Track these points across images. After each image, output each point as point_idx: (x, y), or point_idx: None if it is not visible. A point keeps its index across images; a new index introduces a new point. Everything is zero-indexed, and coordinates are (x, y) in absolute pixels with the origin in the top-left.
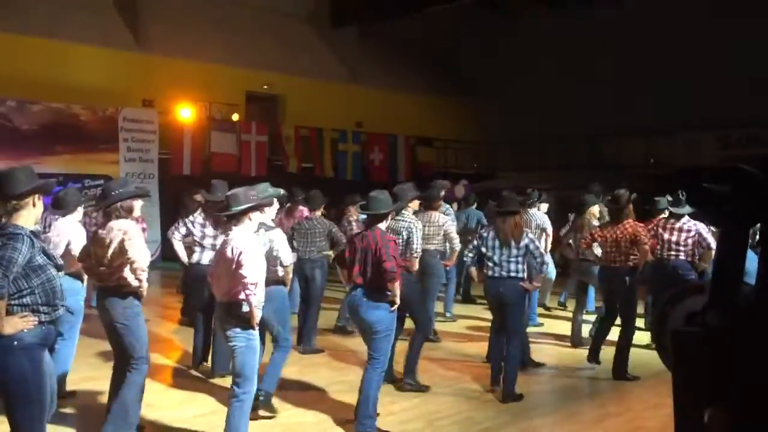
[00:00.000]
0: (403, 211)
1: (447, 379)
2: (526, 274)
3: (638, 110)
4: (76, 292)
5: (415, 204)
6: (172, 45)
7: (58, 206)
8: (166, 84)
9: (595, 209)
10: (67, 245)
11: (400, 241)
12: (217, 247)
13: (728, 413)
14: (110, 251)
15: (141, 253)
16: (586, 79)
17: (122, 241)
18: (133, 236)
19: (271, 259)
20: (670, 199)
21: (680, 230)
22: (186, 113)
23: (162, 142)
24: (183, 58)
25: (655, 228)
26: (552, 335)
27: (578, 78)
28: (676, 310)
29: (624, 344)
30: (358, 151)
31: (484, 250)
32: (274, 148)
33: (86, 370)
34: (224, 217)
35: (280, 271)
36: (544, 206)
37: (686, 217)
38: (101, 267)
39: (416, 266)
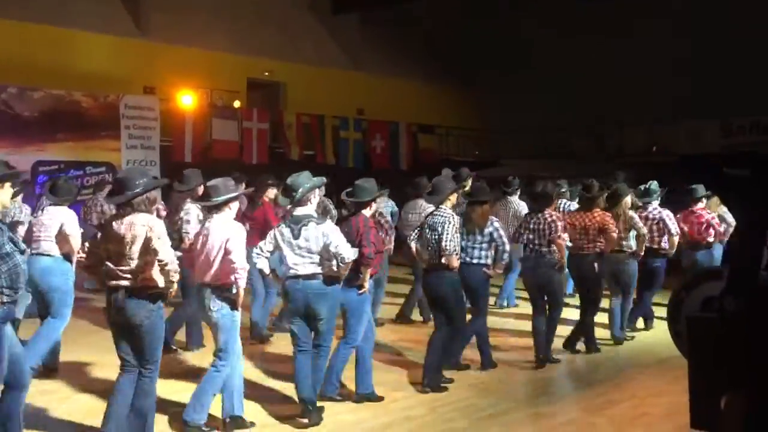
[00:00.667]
0: (441, 206)
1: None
2: (490, 261)
3: (640, 98)
4: (65, 272)
5: (454, 197)
6: (173, 32)
7: (54, 192)
8: (168, 71)
9: (628, 199)
10: (61, 227)
11: (436, 236)
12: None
13: (745, 399)
14: (132, 248)
15: (171, 253)
16: (588, 67)
17: (149, 240)
18: (161, 234)
19: (324, 254)
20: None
21: (646, 219)
22: (187, 100)
23: (163, 129)
24: (184, 45)
25: None
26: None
27: (580, 66)
28: (692, 296)
29: (586, 322)
30: (359, 138)
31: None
32: (275, 135)
33: (89, 354)
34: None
35: (335, 266)
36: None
37: (652, 206)
38: (118, 266)
39: (454, 263)
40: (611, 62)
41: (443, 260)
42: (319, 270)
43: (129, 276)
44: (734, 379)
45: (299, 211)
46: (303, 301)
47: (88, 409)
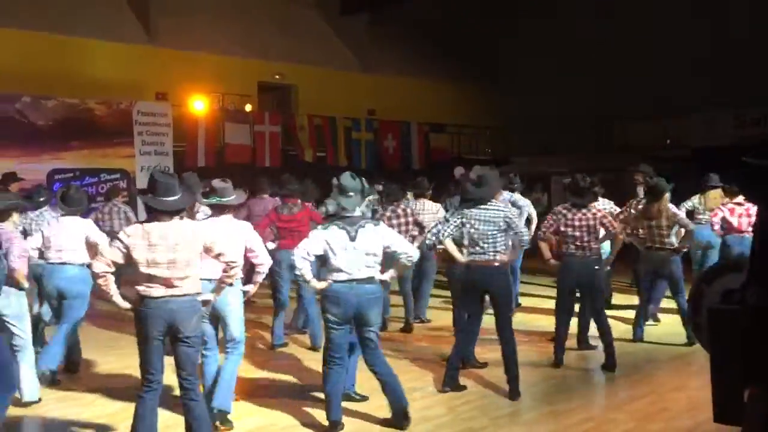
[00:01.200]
0: (492, 201)
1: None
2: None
3: (652, 92)
4: (88, 281)
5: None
6: (183, 38)
7: (66, 202)
8: (179, 77)
9: (668, 195)
10: (86, 238)
11: (493, 229)
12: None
13: None
14: (191, 254)
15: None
16: (598, 62)
17: (210, 244)
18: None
19: (381, 257)
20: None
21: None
22: (199, 105)
23: (176, 135)
24: (194, 51)
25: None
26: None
27: (591, 61)
28: (712, 287)
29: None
30: (371, 138)
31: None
32: (288, 138)
33: (109, 360)
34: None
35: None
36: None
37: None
38: (174, 274)
39: (508, 258)
40: (622, 56)
41: (503, 255)
42: (374, 273)
43: (182, 284)
44: (757, 371)
45: (352, 213)
46: (355, 306)
47: (109, 414)
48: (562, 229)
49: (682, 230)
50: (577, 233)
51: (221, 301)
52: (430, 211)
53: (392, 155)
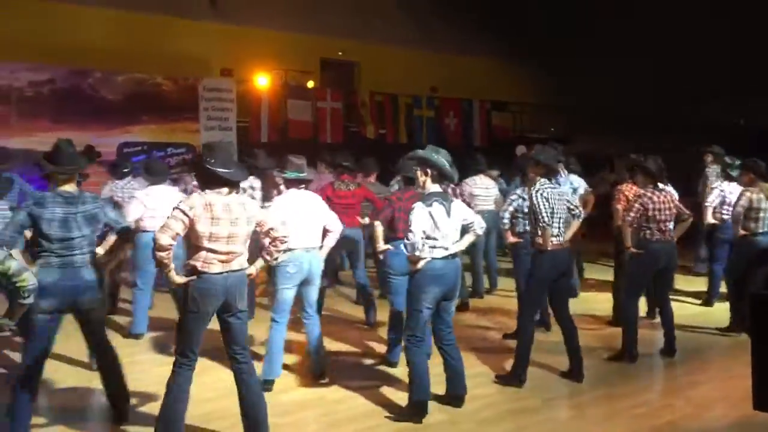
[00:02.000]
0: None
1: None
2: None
3: (718, 71)
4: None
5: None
6: (248, 15)
7: (151, 172)
8: (244, 53)
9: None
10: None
11: (566, 207)
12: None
13: None
14: (247, 228)
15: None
16: (665, 41)
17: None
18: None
19: (453, 232)
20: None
21: (732, 193)
22: (263, 81)
23: (240, 111)
24: (259, 28)
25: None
26: None
27: (657, 40)
28: (757, 273)
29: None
30: (432, 116)
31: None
32: (350, 115)
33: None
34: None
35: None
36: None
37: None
38: (234, 248)
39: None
40: (688, 36)
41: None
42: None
43: (238, 260)
44: None
45: (438, 188)
46: (454, 280)
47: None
48: (651, 213)
49: None
50: (663, 216)
51: (316, 267)
52: (484, 186)
53: (453, 132)
